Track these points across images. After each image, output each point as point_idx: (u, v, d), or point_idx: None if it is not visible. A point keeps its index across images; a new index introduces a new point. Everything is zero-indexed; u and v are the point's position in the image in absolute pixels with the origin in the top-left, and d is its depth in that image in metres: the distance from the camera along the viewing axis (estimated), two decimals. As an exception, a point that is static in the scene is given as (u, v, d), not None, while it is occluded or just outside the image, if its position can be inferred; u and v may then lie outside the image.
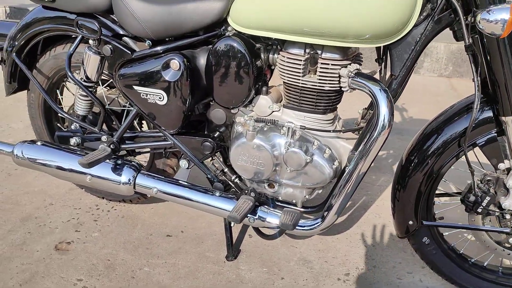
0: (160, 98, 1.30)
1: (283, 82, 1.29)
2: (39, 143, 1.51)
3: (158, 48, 1.30)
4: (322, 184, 1.29)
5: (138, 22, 1.25)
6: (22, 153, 1.49)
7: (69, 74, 1.36)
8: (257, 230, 1.41)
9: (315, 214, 1.33)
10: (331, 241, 1.67)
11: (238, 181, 1.41)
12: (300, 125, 1.25)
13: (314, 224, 1.25)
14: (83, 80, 1.40)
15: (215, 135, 1.40)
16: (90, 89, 1.41)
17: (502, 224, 1.25)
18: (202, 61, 1.30)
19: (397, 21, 1.06)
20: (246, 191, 1.32)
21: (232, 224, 1.34)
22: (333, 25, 1.09)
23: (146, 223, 1.76)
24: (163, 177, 1.43)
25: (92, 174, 1.42)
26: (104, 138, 1.46)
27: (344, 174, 1.21)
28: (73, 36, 1.54)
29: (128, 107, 1.62)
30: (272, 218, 1.27)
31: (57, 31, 1.46)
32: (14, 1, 5.64)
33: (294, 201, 1.40)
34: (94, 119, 1.59)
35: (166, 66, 1.26)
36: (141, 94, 1.32)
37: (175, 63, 1.24)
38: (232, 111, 1.36)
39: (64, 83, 1.71)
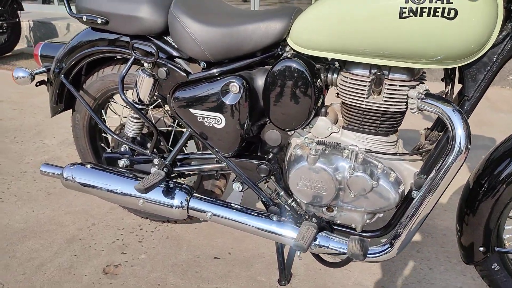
0: (218, 121, 1.27)
1: (343, 102, 1.25)
2: (88, 165, 1.49)
3: (214, 70, 1.27)
4: (386, 209, 1.24)
5: (197, 44, 1.22)
6: (72, 176, 1.47)
7: (123, 96, 1.33)
8: (316, 256, 1.36)
9: (378, 240, 1.28)
10: (385, 263, 1.61)
11: (294, 205, 1.36)
12: (365, 148, 1.21)
13: (381, 252, 1.20)
14: (135, 102, 1.38)
15: (270, 157, 1.36)
16: (142, 111, 1.39)
17: None
18: (259, 82, 1.26)
19: (474, 42, 1.01)
20: (307, 217, 1.28)
21: (299, 253, 1.27)
22: (404, 47, 1.04)
23: (191, 244, 1.72)
24: (216, 201, 1.39)
25: (145, 198, 1.39)
26: (156, 161, 1.44)
27: (414, 201, 1.15)
28: (117, 57, 1.52)
29: (176, 128, 1.60)
30: (337, 245, 1.22)
31: (108, 53, 1.44)
32: (36, 16, 5.73)
33: (353, 225, 1.35)
34: (141, 140, 1.57)
35: (225, 89, 1.23)
36: (198, 117, 1.29)
37: (235, 86, 1.21)
38: (289, 132, 1.32)
39: (109, 104, 1.69)
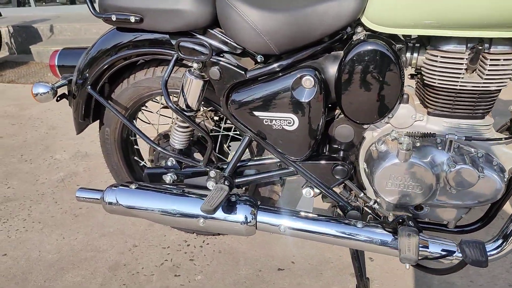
0: (289, 122, 1.09)
1: (428, 85, 1.08)
2: (133, 186, 1.31)
3: (275, 64, 1.09)
4: (491, 202, 1.09)
5: (260, 35, 1.04)
6: (116, 200, 1.29)
7: (170, 104, 1.15)
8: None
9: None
10: (467, 255, 1.47)
11: (377, 206, 1.21)
12: (465, 136, 1.05)
13: (495, 251, 1.06)
14: (182, 109, 1.20)
15: (344, 157, 1.20)
16: (192, 119, 1.20)
17: None
18: (331, 72, 1.09)
19: None
20: (401, 220, 1.12)
21: (408, 266, 1.10)
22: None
23: (248, 256, 1.57)
24: (286, 210, 1.23)
25: (206, 217, 1.22)
26: (212, 173, 1.26)
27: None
28: (146, 60, 1.32)
29: (223, 132, 1.42)
30: (442, 249, 1.07)
31: (145, 56, 1.25)
32: (14, 20, 5.40)
33: (445, 222, 1.20)
34: (186, 149, 1.39)
35: (297, 84, 1.05)
36: (264, 120, 1.11)
37: (309, 79, 1.03)
38: (364, 126, 1.16)
39: (141, 112, 1.50)
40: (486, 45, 0.98)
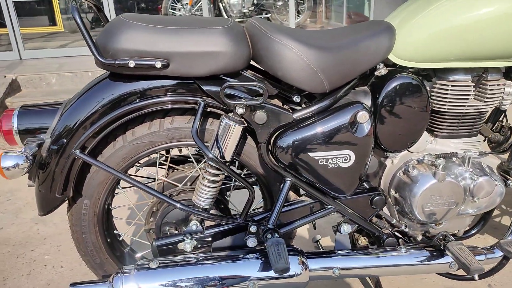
0: (345, 159, 1.08)
1: (435, 111, 1.22)
2: (153, 265, 1.06)
3: (321, 104, 1.08)
4: (496, 205, 1.28)
5: (316, 73, 1.01)
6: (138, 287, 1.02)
7: (211, 155, 1.00)
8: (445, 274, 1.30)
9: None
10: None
11: (407, 229, 1.27)
12: (478, 151, 1.22)
13: (517, 245, 1.23)
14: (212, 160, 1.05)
15: (374, 187, 1.24)
16: (235, 172, 1.07)
17: None
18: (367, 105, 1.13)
19: None
20: (442, 238, 1.21)
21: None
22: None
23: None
24: (332, 253, 1.19)
25: (258, 279, 1.07)
26: (253, 228, 1.13)
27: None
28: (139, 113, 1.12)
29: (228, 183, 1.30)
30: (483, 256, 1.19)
31: (159, 106, 1.06)
32: None
33: (456, 231, 1.34)
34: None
35: (352, 120, 1.05)
36: (319, 160, 1.07)
37: (364, 114, 1.05)
38: (388, 154, 1.23)
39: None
40: (484, 75, 1.18)
